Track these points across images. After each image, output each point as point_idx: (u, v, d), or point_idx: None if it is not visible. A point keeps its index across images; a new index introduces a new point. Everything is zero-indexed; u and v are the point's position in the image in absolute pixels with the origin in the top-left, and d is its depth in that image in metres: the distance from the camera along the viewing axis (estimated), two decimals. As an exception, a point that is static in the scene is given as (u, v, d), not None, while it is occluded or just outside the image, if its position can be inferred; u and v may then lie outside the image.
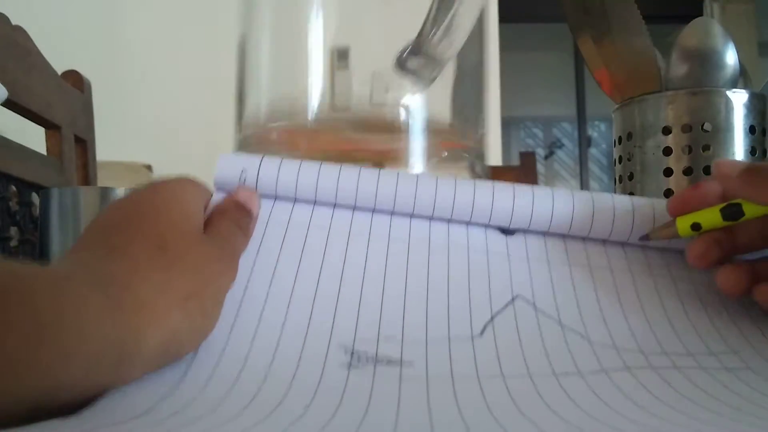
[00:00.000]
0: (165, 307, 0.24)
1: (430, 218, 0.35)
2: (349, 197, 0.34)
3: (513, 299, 0.31)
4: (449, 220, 0.35)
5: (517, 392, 0.25)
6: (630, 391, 0.26)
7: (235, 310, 0.28)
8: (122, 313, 0.22)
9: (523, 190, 0.34)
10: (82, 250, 0.25)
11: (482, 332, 0.29)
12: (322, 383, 0.25)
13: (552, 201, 0.34)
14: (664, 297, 0.33)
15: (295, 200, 0.35)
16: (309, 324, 0.28)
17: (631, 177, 0.54)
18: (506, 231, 0.35)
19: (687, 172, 0.51)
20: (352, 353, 0.27)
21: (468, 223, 0.35)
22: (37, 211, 0.67)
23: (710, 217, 0.32)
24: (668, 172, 0.51)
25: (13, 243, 0.63)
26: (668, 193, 0.51)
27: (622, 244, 0.35)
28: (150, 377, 0.24)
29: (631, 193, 0.53)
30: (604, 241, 0.35)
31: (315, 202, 0.35)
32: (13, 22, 0.70)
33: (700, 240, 0.32)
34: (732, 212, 0.31)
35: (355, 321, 0.28)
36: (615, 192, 0.57)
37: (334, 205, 0.35)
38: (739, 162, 0.28)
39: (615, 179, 0.57)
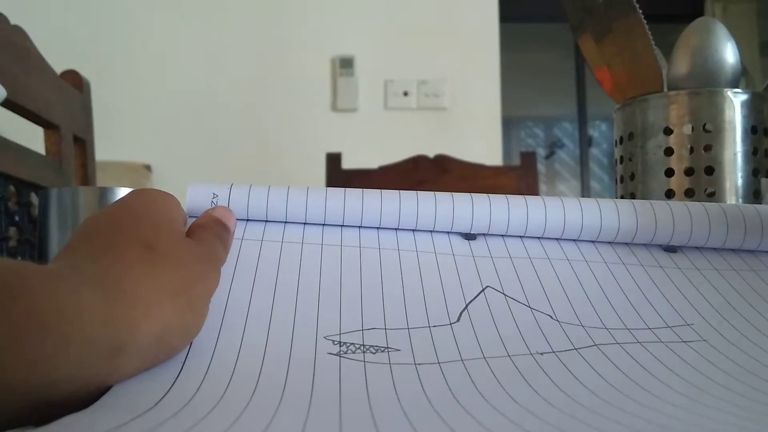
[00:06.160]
0: (156, 302, 0.24)
1: (396, 229, 0.37)
2: (318, 215, 0.36)
3: (483, 289, 0.33)
4: (414, 230, 0.37)
5: (500, 372, 0.27)
6: (602, 367, 0.28)
7: (220, 314, 0.29)
8: (116, 306, 0.23)
9: (480, 199, 0.37)
10: (71, 255, 0.26)
11: (459, 319, 0.31)
12: (317, 373, 0.26)
13: (508, 207, 0.37)
14: (618, 277, 0.36)
15: (267, 221, 0.37)
16: (294, 323, 0.29)
17: (632, 177, 0.53)
18: (468, 236, 0.37)
19: (688, 172, 0.50)
20: (340, 344, 0.28)
21: (432, 232, 0.38)
22: (36, 212, 0.67)
23: None
24: (669, 172, 0.51)
25: (12, 243, 0.63)
26: (669, 193, 0.51)
27: (574, 241, 0.39)
28: (147, 375, 0.24)
29: (632, 194, 0.53)
30: (557, 239, 0.39)
31: (286, 222, 0.37)
32: (13, 22, 0.70)
33: None
34: None
35: (338, 318, 0.30)
36: (616, 192, 0.57)
37: (304, 223, 0.37)
38: None
39: (616, 179, 0.56)
